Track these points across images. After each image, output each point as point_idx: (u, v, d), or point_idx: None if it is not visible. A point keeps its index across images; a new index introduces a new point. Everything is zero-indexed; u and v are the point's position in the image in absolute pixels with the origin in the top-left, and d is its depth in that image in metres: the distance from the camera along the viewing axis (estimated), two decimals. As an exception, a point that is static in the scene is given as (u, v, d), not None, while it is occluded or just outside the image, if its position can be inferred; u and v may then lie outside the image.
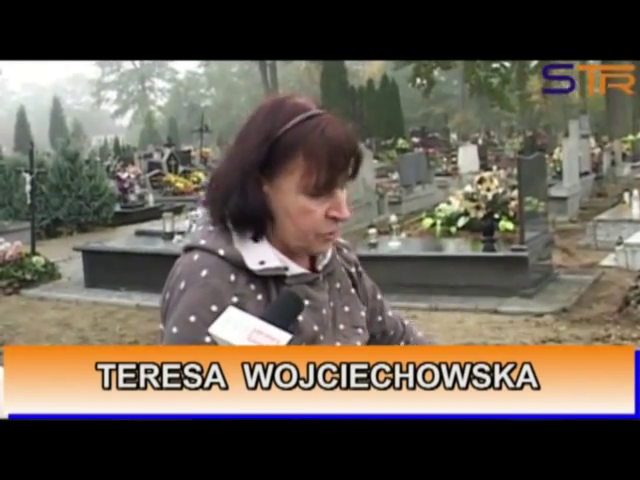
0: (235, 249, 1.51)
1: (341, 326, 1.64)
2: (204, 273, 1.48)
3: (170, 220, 10.76)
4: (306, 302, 1.53)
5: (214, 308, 1.43)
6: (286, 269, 1.53)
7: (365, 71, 56.17)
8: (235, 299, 1.45)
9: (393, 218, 10.54)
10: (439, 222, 11.72)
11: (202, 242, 1.53)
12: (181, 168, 23.67)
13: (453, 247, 9.94)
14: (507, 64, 38.21)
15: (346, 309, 1.68)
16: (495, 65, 37.13)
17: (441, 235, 11.30)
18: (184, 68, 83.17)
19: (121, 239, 12.24)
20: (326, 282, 1.64)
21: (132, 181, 19.28)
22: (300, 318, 1.49)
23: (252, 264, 1.49)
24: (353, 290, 1.74)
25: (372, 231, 9.69)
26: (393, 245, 9.59)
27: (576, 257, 10.57)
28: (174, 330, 1.46)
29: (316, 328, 1.55)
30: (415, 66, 38.06)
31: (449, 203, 11.84)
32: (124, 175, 19.13)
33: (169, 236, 10.36)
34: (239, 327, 1.26)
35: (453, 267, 8.83)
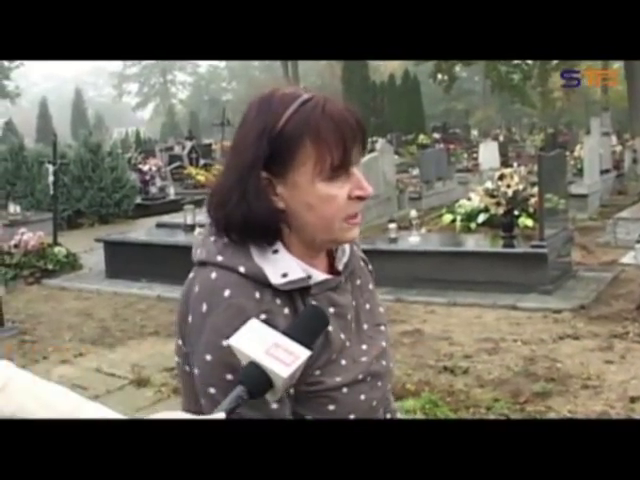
0: (256, 265, 1.41)
1: (365, 326, 1.57)
2: (227, 293, 1.38)
3: (191, 212, 10.80)
4: (331, 310, 1.47)
5: None
6: (309, 278, 1.44)
7: (387, 66, 55.91)
8: (263, 316, 1.35)
9: (413, 213, 10.53)
10: (459, 218, 11.75)
11: (219, 258, 1.42)
12: (202, 161, 23.76)
13: (473, 243, 9.92)
14: (529, 61, 38.00)
15: (367, 306, 1.61)
16: (517, 61, 36.94)
17: (461, 231, 11.34)
18: (205, 62, 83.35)
19: (142, 231, 12.27)
20: (348, 282, 1.56)
21: (153, 173, 19.42)
22: (330, 328, 1.42)
23: (275, 279, 1.40)
24: (371, 286, 1.67)
25: (392, 226, 9.69)
26: (413, 240, 9.60)
27: (595, 254, 10.53)
28: (208, 358, 1.37)
29: (343, 336, 1.48)
30: (436, 62, 37.96)
31: (469, 199, 11.87)
32: (145, 167, 19.28)
33: (190, 228, 10.39)
34: (259, 340, 1.22)
35: (472, 263, 8.83)
